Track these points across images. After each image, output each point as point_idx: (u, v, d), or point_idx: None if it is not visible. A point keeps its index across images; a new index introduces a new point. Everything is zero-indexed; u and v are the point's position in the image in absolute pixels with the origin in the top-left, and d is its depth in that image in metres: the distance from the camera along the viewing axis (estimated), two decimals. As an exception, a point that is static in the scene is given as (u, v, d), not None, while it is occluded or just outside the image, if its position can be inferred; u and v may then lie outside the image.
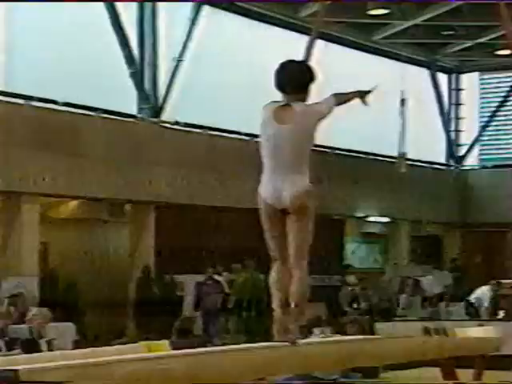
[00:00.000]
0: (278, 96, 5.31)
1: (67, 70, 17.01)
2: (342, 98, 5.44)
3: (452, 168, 26.31)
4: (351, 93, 5.56)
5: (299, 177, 5.15)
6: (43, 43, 16.90)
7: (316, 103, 5.35)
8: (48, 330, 10.13)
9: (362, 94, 5.59)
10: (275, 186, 5.15)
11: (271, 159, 5.18)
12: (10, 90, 15.98)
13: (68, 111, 16.80)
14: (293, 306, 5.25)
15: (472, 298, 18.91)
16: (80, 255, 18.87)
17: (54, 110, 16.58)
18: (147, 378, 4.46)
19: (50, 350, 9.62)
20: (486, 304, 18.49)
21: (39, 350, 9.44)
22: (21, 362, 4.94)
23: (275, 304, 5.35)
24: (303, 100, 5.34)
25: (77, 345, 12.20)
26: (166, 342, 7.47)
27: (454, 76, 26.59)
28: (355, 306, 19.47)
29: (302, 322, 5.39)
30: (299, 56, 8.55)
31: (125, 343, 9.64)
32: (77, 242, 19.20)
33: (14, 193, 15.76)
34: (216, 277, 18.09)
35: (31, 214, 16.04)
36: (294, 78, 5.36)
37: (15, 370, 4.05)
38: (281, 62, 5.44)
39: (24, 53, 16.52)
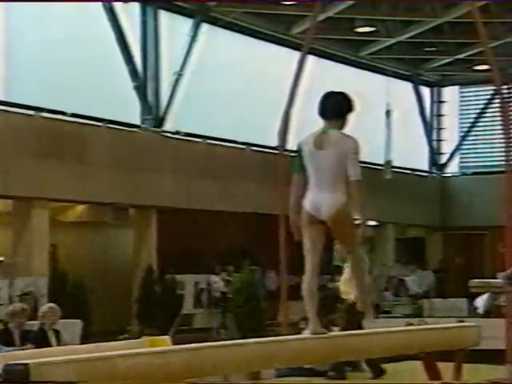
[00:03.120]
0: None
1: (76, 84, 16.99)
2: (354, 196, 5.58)
3: (434, 175, 26.30)
4: (360, 212, 5.63)
5: (336, 195, 5.53)
6: (54, 60, 16.88)
7: (354, 152, 5.63)
8: (57, 326, 10.08)
9: (362, 226, 5.65)
10: (315, 201, 5.51)
11: (314, 178, 5.56)
12: (21, 102, 15.95)
13: (76, 122, 16.78)
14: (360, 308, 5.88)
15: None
16: (87, 256, 18.84)
17: (62, 120, 16.55)
18: (149, 371, 4.46)
19: (59, 345, 9.57)
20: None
21: (49, 345, 9.40)
22: (32, 356, 4.92)
23: (310, 315, 5.53)
24: (341, 126, 5.63)
25: (84, 340, 12.17)
26: (167, 337, 7.46)
27: (435, 89, 26.60)
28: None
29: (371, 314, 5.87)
30: (291, 70, 8.53)
31: (129, 338, 9.64)
32: (84, 244, 19.18)
33: (25, 198, 15.73)
34: (225, 276, 18.26)
35: (41, 218, 15.99)
36: (335, 107, 5.63)
37: (25, 364, 4.04)
38: (324, 92, 5.70)
39: (37, 68, 16.51)
